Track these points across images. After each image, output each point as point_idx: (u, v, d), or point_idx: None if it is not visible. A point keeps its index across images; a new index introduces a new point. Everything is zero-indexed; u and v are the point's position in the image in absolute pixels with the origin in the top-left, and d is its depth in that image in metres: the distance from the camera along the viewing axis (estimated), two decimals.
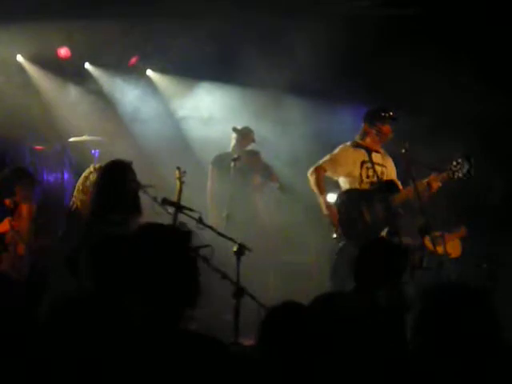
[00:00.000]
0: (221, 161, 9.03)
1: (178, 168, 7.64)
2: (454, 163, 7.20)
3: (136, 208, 6.13)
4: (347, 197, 7.29)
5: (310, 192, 8.13)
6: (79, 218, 6.67)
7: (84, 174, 7.29)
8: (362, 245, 5.01)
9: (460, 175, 7.17)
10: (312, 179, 7.34)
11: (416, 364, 2.70)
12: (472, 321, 2.70)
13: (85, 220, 6.07)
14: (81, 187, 7.19)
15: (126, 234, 5.57)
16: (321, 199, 7.27)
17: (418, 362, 2.69)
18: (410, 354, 2.77)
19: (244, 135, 9.16)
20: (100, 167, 6.66)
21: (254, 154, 9.16)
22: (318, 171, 7.31)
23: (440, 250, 7.56)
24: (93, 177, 6.96)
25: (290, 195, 9.02)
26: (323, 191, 7.30)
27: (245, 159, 8.95)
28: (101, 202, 5.99)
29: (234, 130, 9.16)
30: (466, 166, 7.17)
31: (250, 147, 9.19)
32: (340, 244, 7.19)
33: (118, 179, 6.06)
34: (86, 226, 5.95)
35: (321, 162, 7.36)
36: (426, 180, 7.19)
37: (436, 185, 7.20)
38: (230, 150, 9.24)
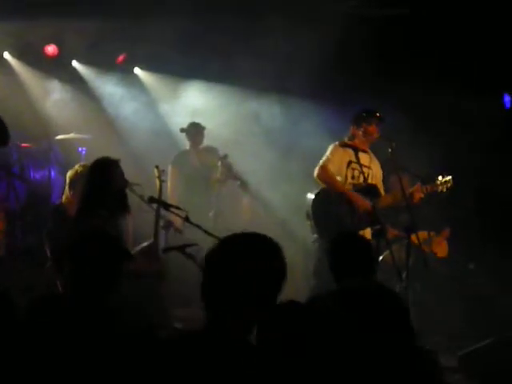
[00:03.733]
0: (180, 159, 9.02)
1: (157, 167, 7.65)
2: (440, 178, 7.29)
3: (124, 205, 6.14)
4: (326, 196, 7.27)
5: (296, 192, 8.16)
6: (64, 214, 6.68)
7: (71, 172, 7.29)
8: (328, 243, 5.00)
9: (444, 190, 7.27)
10: (323, 179, 7.29)
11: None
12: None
13: (72, 216, 6.08)
14: (67, 185, 7.21)
15: (106, 230, 5.62)
16: (345, 193, 7.24)
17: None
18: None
19: (193, 134, 9.20)
20: (85, 165, 6.66)
21: (212, 151, 9.16)
22: (324, 170, 7.28)
23: (426, 248, 7.61)
24: (79, 173, 6.98)
25: (251, 193, 9.00)
26: (341, 185, 7.30)
27: (203, 156, 9.02)
28: (89, 198, 6.00)
29: (182, 130, 9.22)
30: (451, 183, 7.27)
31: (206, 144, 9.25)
32: (318, 244, 7.18)
33: (106, 176, 6.08)
34: (73, 222, 5.96)
35: (321, 162, 7.34)
36: (411, 190, 7.25)
37: (418, 195, 7.26)
38: (187, 148, 9.34)
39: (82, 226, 5.78)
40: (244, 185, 8.85)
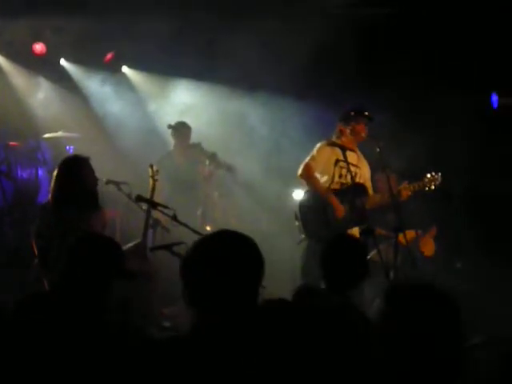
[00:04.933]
0: (164, 160, 9.01)
1: (151, 166, 7.63)
2: (429, 176, 7.29)
3: (93, 203, 6.11)
4: (313, 196, 7.25)
5: (284, 190, 8.14)
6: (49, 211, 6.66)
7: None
8: (324, 244, 5.00)
9: (432, 187, 7.27)
10: (305, 179, 7.27)
11: (377, 364, 2.69)
12: (435, 323, 2.69)
13: (48, 215, 6.05)
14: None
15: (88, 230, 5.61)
16: (322, 195, 7.19)
17: (379, 363, 2.69)
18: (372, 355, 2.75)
19: (180, 133, 9.20)
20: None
21: (196, 146, 9.15)
22: (306, 170, 7.26)
23: (414, 248, 7.61)
24: None
25: (239, 175, 9.00)
26: (320, 185, 7.26)
27: (188, 154, 9.01)
28: (57, 197, 5.98)
29: (169, 126, 9.21)
30: (439, 180, 7.27)
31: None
32: (306, 244, 7.17)
33: (73, 174, 6.04)
34: (49, 220, 5.94)
35: (305, 161, 7.32)
36: (398, 187, 7.24)
37: (406, 193, 7.25)
38: (172, 148, 9.33)
39: (55, 225, 5.76)
40: (230, 168, 8.83)
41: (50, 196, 6.42)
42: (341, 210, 7.12)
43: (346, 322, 3.81)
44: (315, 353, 3.03)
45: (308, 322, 3.17)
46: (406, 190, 7.26)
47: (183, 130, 9.22)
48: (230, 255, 2.80)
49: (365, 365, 2.93)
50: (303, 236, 7.23)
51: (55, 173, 6.21)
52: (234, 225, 8.93)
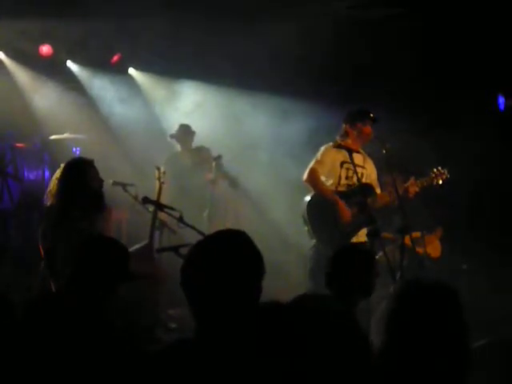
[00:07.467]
0: (171, 161, 9.02)
1: (158, 168, 7.63)
2: (435, 170, 7.28)
3: (98, 204, 6.10)
4: (320, 200, 7.21)
5: (290, 192, 8.13)
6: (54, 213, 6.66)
7: (57, 173, 7.23)
8: (332, 253, 5.01)
9: (440, 183, 7.25)
10: (310, 183, 7.24)
11: (381, 364, 2.70)
12: (440, 321, 2.70)
13: (53, 216, 6.05)
14: (52, 185, 7.14)
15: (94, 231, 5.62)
16: (329, 198, 7.15)
17: (383, 362, 2.69)
18: (375, 354, 2.75)
19: (182, 137, 9.22)
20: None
21: (203, 150, 9.17)
22: (312, 174, 7.23)
23: (420, 250, 7.60)
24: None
25: (242, 191, 9.02)
26: (326, 189, 7.23)
27: (195, 156, 9.03)
28: (62, 199, 5.98)
29: (172, 136, 9.27)
30: (446, 175, 7.26)
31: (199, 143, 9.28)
32: (314, 247, 7.14)
33: (77, 177, 6.03)
34: (54, 222, 5.94)
35: (310, 165, 7.28)
36: (405, 185, 7.22)
37: (413, 190, 7.23)
38: (179, 150, 9.36)
39: (60, 227, 5.77)
40: (234, 183, 8.84)
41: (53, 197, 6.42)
42: (347, 213, 7.08)
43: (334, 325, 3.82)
44: (309, 355, 3.04)
45: (298, 325, 3.18)
46: (413, 186, 7.23)
47: (184, 134, 9.24)
48: (225, 256, 2.79)
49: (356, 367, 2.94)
50: (314, 241, 7.17)
51: (59, 175, 6.20)
52: (244, 227, 8.92)
